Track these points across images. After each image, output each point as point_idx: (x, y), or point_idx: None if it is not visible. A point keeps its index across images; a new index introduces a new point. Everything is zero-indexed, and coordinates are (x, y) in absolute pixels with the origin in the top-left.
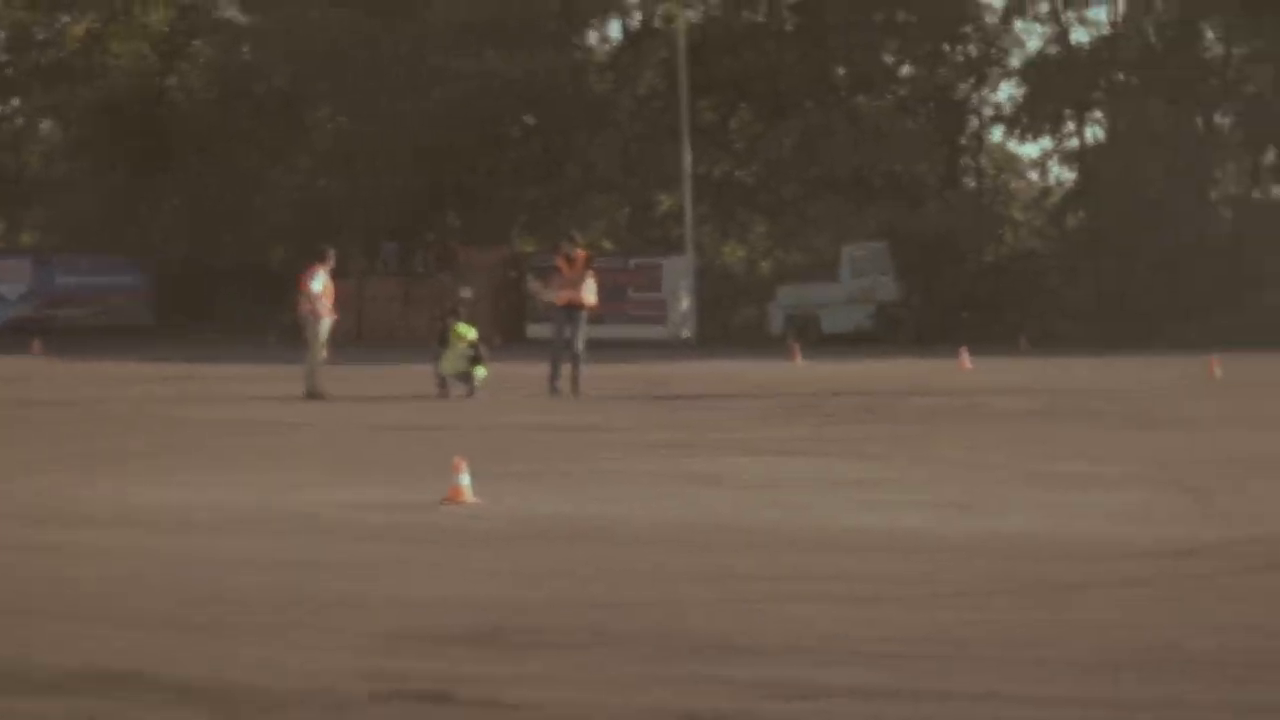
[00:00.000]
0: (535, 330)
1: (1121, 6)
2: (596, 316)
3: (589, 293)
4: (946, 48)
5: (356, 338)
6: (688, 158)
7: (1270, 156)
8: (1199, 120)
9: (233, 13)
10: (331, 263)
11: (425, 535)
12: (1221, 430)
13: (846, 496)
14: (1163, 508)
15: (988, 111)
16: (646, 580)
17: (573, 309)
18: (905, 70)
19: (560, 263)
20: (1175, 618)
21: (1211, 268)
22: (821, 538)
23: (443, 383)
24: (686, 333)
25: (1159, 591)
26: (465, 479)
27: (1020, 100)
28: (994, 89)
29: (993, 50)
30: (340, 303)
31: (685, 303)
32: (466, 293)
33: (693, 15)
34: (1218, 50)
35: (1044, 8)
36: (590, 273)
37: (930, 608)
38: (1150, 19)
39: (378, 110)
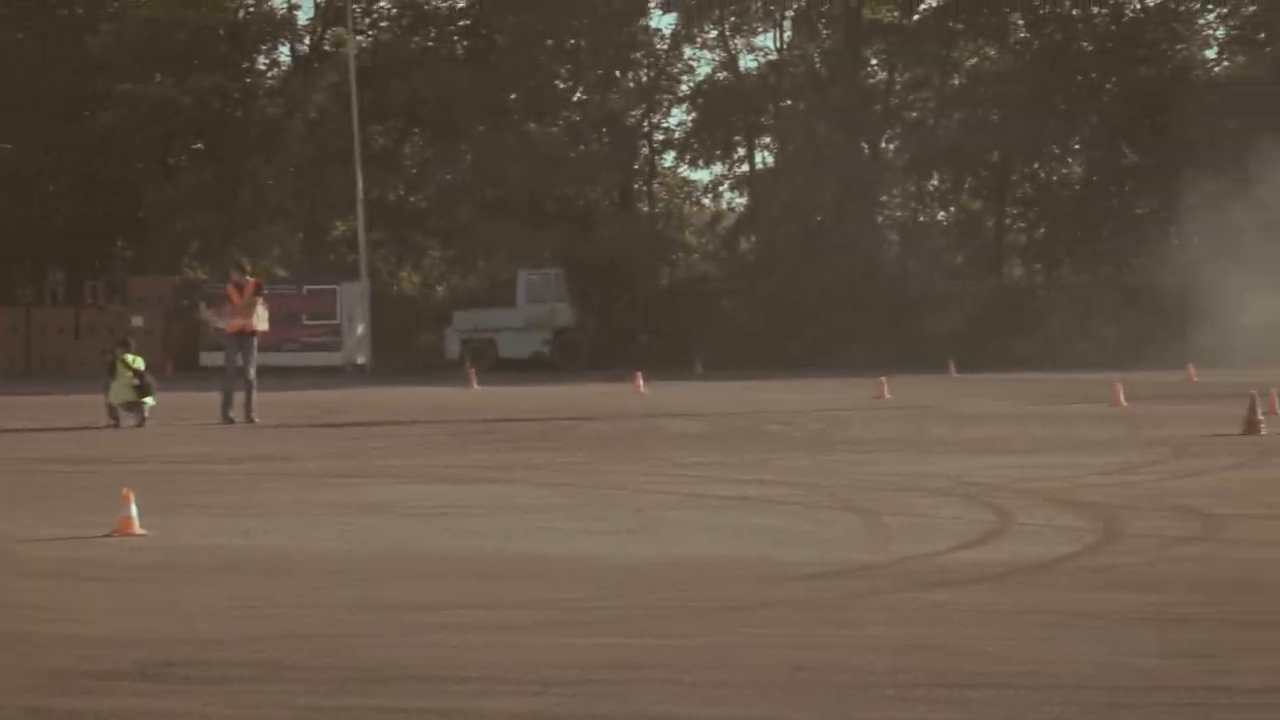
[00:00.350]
0: (208, 358)
1: (788, 33)
2: (271, 343)
3: (260, 320)
4: (618, 74)
5: (25, 368)
6: (360, 182)
7: (934, 181)
8: (864, 146)
9: None
10: None
11: (92, 569)
12: (890, 452)
13: (521, 523)
14: (832, 529)
15: (660, 137)
16: (317, 612)
17: (244, 336)
18: (578, 96)
19: (230, 290)
20: (846, 637)
21: (880, 291)
22: (496, 565)
23: (113, 413)
24: (362, 359)
25: (830, 612)
26: (134, 511)
27: (691, 126)
28: (665, 115)
29: (663, 77)
30: (6, 333)
31: (360, 328)
32: (138, 321)
33: (362, 40)
34: (881, 77)
35: (712, 34)
36: (260, 299)
37: (605, 632)
38: (815, 46)
39: (43, 136)
